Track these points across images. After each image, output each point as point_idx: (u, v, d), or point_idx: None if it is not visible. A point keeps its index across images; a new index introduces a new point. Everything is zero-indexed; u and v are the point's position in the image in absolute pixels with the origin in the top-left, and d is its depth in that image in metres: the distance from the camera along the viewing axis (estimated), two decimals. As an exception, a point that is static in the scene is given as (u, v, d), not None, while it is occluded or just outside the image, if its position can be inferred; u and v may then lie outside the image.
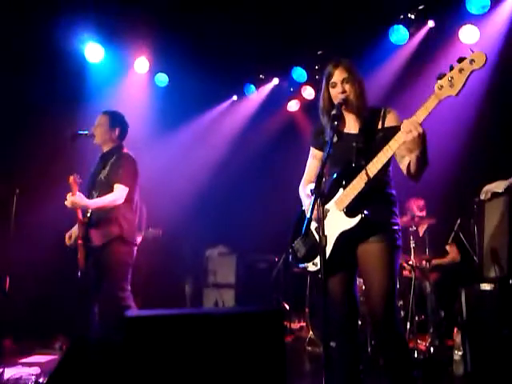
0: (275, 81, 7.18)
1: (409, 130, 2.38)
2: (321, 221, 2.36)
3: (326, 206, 2.72)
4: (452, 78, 2.29)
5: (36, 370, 4.12)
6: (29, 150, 5.63)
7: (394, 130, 2.54)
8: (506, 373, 3.56)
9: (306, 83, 6.94)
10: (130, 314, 1.93)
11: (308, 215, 2.35)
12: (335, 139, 2.72)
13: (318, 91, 6.88)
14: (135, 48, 6.49)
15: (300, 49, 6.47)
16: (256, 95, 7.29)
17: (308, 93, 7.04)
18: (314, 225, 2.78)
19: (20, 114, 5.79)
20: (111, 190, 3.83)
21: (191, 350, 1.76)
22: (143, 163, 4.16)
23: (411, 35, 5.78)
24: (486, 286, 4.05)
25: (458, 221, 5.48)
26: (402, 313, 5.23)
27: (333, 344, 2.78)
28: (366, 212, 2.62)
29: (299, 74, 6.79)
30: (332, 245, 2.67)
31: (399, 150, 2.58)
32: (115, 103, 5.43)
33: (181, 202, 6.65)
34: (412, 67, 5.96)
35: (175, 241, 6.81)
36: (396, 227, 2.75)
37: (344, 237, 2.67)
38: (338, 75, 2.75)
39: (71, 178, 3.76)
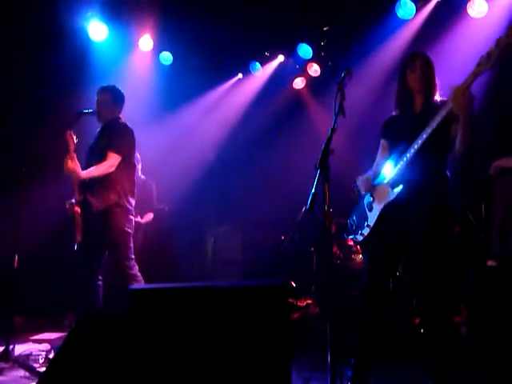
0: (280, 58, 7.09)
1: (454, 96, 2.60)
2: (374, 198, 2.89)
3: (384, 183, 2.97)
4: (490, 53, 2.56)
5: (46, 346, 4.18)
6: (33, 128, 5.62)
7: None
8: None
9: (311, 60, 6.85)
10: (135, 287, 1.94)
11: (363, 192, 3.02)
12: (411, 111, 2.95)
13: (323, 68, 6.86)
14: (139, 26, 6.42)
15: (305, 25, 6.38)
16: (261, 72, 7.22)
17: (314, 69, 6.95)
18: (367, 200, 3.08)
19: (24, 93, 5.77)
20: (105, 157, 3.81)
21: (196, 324, 1.77)
22: (148, 141, 4.14)
23: (418, 9, 5.64)
24: (493, 263, 4.04)
25: (466, 198, 5.44)
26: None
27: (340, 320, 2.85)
28: (406, 184, 2.81)
29: (305, 50, 6.68)
30: (377, 215, 2.91)
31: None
32: (119, 82, 5.38)
33: (186, 180, 6.64)
34: (419, 42, 5.85)
35: (181, 218, 6.82)
36: (448, 215, 2.85)
37: (388, 208, 2.89)
38: (420, 61, 2.96)
39: (67, 132, 3.76)
